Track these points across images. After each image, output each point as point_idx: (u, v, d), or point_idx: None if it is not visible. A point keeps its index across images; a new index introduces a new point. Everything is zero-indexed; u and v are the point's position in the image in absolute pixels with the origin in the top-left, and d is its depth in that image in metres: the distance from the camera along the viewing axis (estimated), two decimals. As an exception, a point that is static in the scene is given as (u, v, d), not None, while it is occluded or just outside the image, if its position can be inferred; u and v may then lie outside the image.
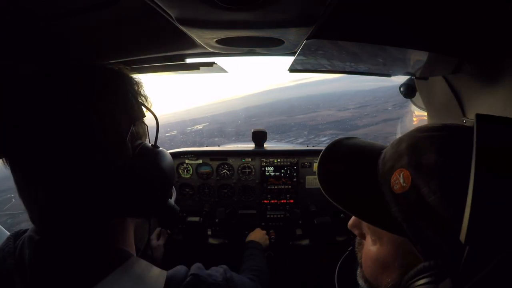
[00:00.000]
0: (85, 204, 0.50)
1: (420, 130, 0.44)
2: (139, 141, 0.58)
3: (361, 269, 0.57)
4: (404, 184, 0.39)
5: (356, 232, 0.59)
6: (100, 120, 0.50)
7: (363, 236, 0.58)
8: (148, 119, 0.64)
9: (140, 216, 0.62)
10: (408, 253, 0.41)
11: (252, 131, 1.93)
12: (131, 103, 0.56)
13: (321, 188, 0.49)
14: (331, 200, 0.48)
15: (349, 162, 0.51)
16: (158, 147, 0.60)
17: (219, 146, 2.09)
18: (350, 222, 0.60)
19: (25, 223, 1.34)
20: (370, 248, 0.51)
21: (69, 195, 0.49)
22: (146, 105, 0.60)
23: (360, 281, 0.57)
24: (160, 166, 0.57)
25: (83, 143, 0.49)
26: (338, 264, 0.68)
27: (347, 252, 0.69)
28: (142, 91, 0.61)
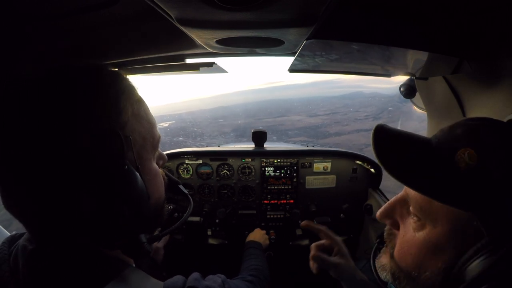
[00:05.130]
0: (76, 215, 0.47)
1: (470, 120, 0.48)
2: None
3: (392, 259, 0.55)
4: (470, 162, 0.42)
5: (387, 221, 0.58)
6: (90, 124, 0.46)
7: (395, 225, 0.57)
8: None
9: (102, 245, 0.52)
10: (468, 232, 0.43)
11: (252, 131, 1.93)
12: (119, 109, 0.50)
13: (383, 168, 0.49)
14: (396, 179, 0.48)
15: (404, 145, 0.52)
16: (125, 165, 0.48)
17: (219, 146, 2.09)
18: (380, 212, 0.58)
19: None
20: (415, 234, 0.50)
21: (59, 205, 0.46)
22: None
23: (386, 274, 0.56)
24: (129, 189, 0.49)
25: (72, 147, 0.44)
26: (372, 259, 0.64)
27: (376, 244, 0.67)
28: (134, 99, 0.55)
